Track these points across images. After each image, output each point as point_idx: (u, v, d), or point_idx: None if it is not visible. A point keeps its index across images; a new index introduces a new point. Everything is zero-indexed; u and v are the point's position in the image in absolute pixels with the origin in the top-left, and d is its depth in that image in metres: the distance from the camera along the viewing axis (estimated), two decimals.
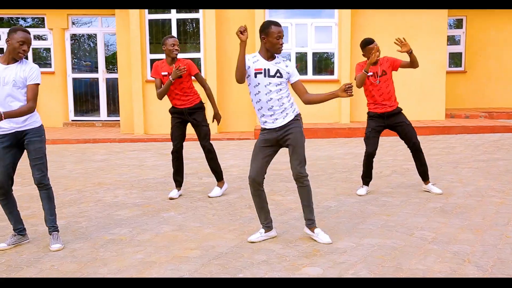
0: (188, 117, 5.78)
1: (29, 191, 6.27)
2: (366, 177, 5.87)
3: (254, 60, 4.16)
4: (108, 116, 13.40)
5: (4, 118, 3.89)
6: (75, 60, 13.68)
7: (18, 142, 4.17)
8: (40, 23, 13.32)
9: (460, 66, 14.56)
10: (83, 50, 13.69)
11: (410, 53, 5.49)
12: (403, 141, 5.86)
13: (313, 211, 4.32)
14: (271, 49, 4.14)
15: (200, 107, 5.84)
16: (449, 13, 13.79)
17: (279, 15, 11.86)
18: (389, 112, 5.68)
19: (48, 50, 13.39)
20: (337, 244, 4.17)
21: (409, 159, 7.89)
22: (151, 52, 11.68)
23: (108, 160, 8.59)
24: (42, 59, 13.44)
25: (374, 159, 5.81)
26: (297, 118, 4.25)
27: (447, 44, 14.31)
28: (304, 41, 11.93)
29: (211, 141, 5.90)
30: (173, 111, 5.83)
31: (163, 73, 5.68)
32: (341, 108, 11.57)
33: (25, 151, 4.21)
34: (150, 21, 11.62)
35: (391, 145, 9.30)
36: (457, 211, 5.04)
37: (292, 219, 4.90)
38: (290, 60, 4.34)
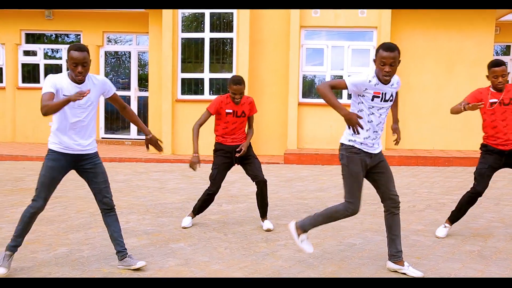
0: (235, 155, 5.34)
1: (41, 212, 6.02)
2: (459, 217, 5.10)
3: (376, 83, 3.82)
4: (138, 134, 13.25)
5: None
6: (115, 77, 13.64)
7: (75, 165, 4.02)
8: (77, 39, 13.37)
9: None
10: (123, 68, 13.64)
11: None
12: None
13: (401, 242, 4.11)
14: (378, 75, 3.81)
15: (250, 145, 5.47)
16: (496, 39, 13.17)
17: (315, 37, 11.53)
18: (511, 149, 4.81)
19: None
20: None
21: (446, 192, 7.36)
22: (182, 71, 11.49)
23: (129, 181, 8.33)
24: None
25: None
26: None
27: None
28: (340, 64, 11.53)
29: None
30: (220, 148, 5.37)
31: (227, 111, 5.27)
32: None
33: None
34: (183, 39, 11.46)
35: (427, 175, 8.74)
36: (497, 256, 4.50)
37: (311, 258, 4.45)
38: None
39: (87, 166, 4.01)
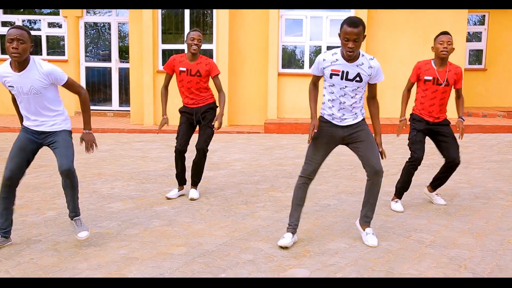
0: (199, 117, 5.38)
1: (26, 180, 6.20)
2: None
3: (333, 60, 3.81)
4: (120, 106, 13.34)
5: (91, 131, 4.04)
6: (95, 49, 13.64)
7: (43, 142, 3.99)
8: (56, 10, 13.30)
9: (481, 63, 14.17)
10: (103, 40, 13.64)
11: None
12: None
13: (374, 210, 4.10)
14: (342, 52, 3.80)
15: (213, 107, 5.45)
16: (471, 9, 13.40)
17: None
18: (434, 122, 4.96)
19: (62, 38, 13.37)
20: (329, 244, 4.00)
21: None
22: (163, 43, 11.57)
23: (112, 150, 8.51)
24: (56, 47, 13.43)
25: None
26: (364, 118, 4.04)
27: (472, 41, 13.99)
28: (319, 34, 11.70)
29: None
30: (184, 111, 5.45)
31: (181, 68, 5.28)
32: None
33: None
34: (163, 11, 11.50)
35: (402, 142, 9.06)
36: (460, 213, 4.82)
37: (287, 217, 4.71)
38: (373, 59, 3.89)
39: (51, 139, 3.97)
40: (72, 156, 3.94)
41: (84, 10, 13.15)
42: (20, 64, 3.73)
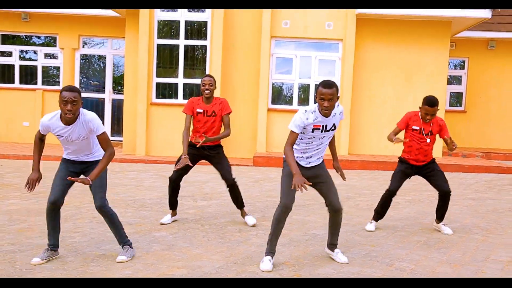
0: (209, 152, 5.73)
1: (27, 205, 6.46)
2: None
3: (315, 118, 4.20)
4: (111, 136, 13.64)
5: (93, 179, 4.18)
6: (85, 79, 14.02)
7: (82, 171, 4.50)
8: (52, 42, 13.71)
9: (461, 105, 14.81)
10: (92, 70, 14.04)
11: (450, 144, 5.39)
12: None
13: (338, 237, 4.67)
14: (319, 109, 4.20)
15: (221, 145, 5.85)
16: (453, 54, 14.13)
17: (285, 47, 12.17)
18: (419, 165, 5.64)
19: (58, 68, 13.73)
20: (319, 270, 4.32)
21: (400, 194, 8.07)
22: (157, 76, 11.98)
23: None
24: (51, 77, 13.77)
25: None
26: (323, 160, 4.56)
27: (452, 83, 14.67)
28: (307, 72, 12.22)
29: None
30: (191, 144, 5.74)
31: (198, 110, 5.69)
32: (340, 140, 11.78)
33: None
34: (159, 45, 11.95)
35: (385, 178, 9.46)
36: (439, 245, 5.19)
37: (279, 245, 5.03)
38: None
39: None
40: (104, 192, 4.44)
41: (81, 43, 13.57)
42: (71, 120, 4.17)
